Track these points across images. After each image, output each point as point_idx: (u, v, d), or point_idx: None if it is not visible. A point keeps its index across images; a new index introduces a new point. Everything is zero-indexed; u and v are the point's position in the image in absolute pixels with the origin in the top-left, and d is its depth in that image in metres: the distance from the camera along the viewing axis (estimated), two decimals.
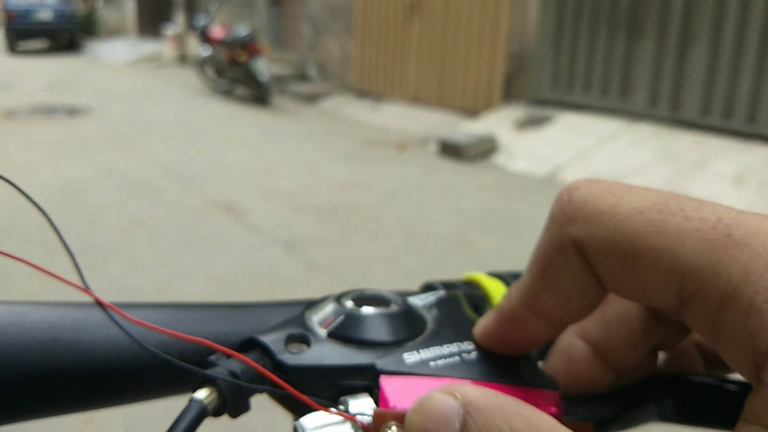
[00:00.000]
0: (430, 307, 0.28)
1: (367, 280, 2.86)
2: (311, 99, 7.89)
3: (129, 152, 5.08)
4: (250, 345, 0.24)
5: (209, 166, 4.73)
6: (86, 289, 0.25)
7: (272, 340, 0.24)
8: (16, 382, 0.23)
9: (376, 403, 0.23)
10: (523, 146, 5.13)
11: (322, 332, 0.25)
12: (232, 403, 0.22)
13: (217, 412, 0.22)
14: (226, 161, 4.91)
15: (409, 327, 0.26)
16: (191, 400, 0.22)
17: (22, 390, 0.23)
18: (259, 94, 7.47)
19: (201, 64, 8.41)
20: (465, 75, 6.31)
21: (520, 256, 3.20)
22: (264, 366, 0.23)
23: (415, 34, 6.92)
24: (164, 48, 11.86)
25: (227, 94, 8.03)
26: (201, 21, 8.40)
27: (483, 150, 5.13)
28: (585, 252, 0.22)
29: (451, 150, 5.15)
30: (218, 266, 2.98)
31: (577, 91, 5.51)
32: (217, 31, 7.97)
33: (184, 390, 0.25)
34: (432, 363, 0.24)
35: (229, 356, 0.23)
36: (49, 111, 6.68)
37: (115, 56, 12.17)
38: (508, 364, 0.25)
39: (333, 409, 0.22)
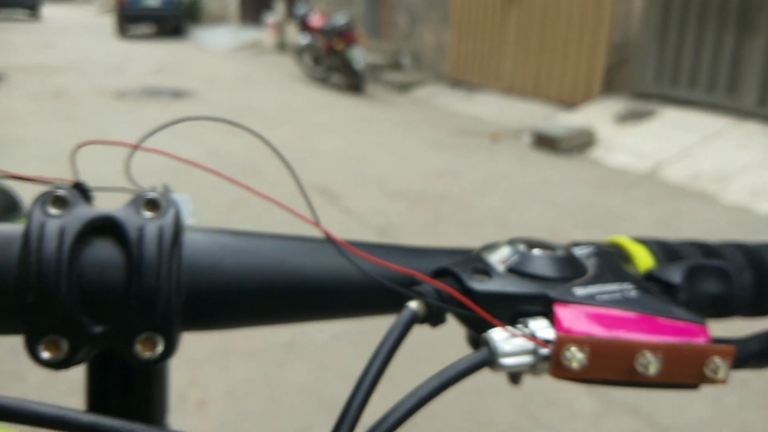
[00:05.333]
0: (588, 256, 0.31)
1: None
2: (404, 88, 7.92)
3: (232, 135, 5.28)
4: (443, 273, 0.29)
5: (306, 151, 4.85)
6: (318, 224, 0.30)
7: (462, 270, 0.28)
8: (252, 295, 0.28)
9: (551, 326, 0.27)
10: (623, 140, 4.97)
11: (501, 267, 0.29)
12: (435, 316, 0.27)
13: (423, 320, 0.27)
14: (322, 146, 5.03)
15: (573, 268, 0.29)
16: (406, 307, 0.26)
17: (256, 302, 0.28)
18: (353, 82, 7.58)
19: (299, 51, 8.61)
20: (563, 66, 6.16)
21: None
22: (456, 290, 0.27)
23: (513, 24, 6.81)
24: (264, 35, 12.20)
25: (323, 81, 8.19)
26: (301, 9, 8.59)
27: (580, 143, 5.00)
28: None
29: (546, 142, 5.06)
30: None
31: (682, 86, 5.27)
32: (316, 20, 8.13)
33: (388, 311, 0.30)
34: (598, 296, 0.27)
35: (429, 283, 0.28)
36: (156, 93, 7.03)
37: (218, 42, 12.63)
38: (661, 301, 0.28)
39: (511, 328, 0.26)
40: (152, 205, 0.26)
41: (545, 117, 5.95)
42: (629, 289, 0.28)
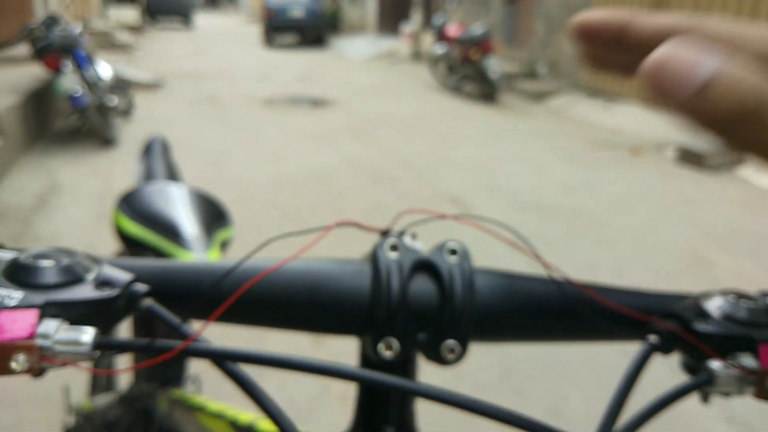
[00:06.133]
0: None
1: None
2: (539, 97, 7.83)
3: (368, 143, 5.49)
4: (672, 315, 0.38)
5: (438, 160, 4.95)
6: (564, 275, 0.39)
7: (687, 314, 0.37)
8: (520, 321, 0.39)
9: (756, 360, 0.35)
10: None
11: (717, 313, 0.37)
12: (668, 348, 0.37)
13: (658, 350, 0.36)
14: (454, 156, 5.10)
15: None
16: (647, 340, 0.37)
17: (523, 326, 0.39)
18: (487, 92, 7.59)
19: (434, 60, 8.74)
20: None
21: (766, 283, 2.94)
22: (683, 329, 0.37)
23: None
24: (400, 45, 12.48)
25: (456, 90, 8.27)
26: (439, 19, 8.71)
27: (728, 160, 4.74)
28: None
29: (691, 158, 4.83)
30: None
31: None
32: (453, 30, 8.22)
33: (608, 337, 0.39)
34: None
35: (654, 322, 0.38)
36: (299, 101, 7.42)
37: (356, 52, 13.07)
38: None
39: (726, 361, 0.35)
40: (454, 251, 0.38)
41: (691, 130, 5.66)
42: None
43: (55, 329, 0.30)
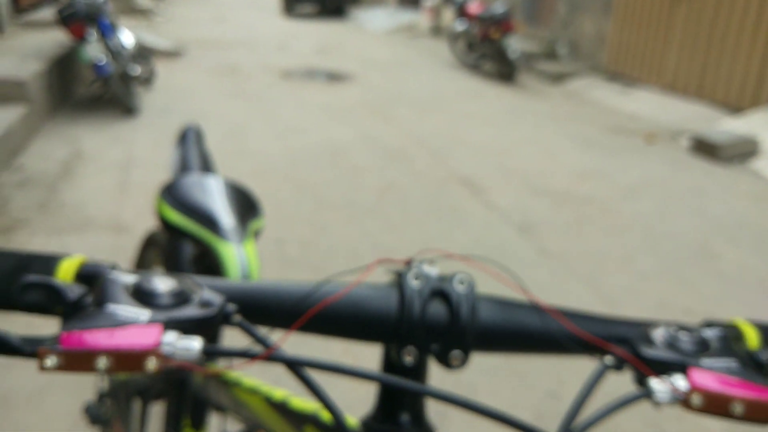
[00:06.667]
0: (715, 335, 0.49)
1: (597, 274, 2.91)
2: (558, 78, 7.81)
3: (384, 119, 5.53)
4: (621, 340, 0.48)
5: (453, 140, 5.00)
6: (540, 301, 0.49)
7: (636, 340, 0.48)
8: (506, 335, 0.48)
9: (687, 381, 0.44)
10: None
11: (660, 340, 0.47)
12: (619, 367, 0.46)
13: (612, 369, 0.46)
14: (469, 136, 5.14)
15: (703, 345, 0.47)
16: (602, 360, 0.47)
17: (510, 340, 0.49)
18: (506, 71, 7.57)
19: (454, 37, 8.71)
20: (732, 66, 5.81)
21: None
22: (632, 354, 0.47)
23: (681, 18, 6.50)
24: (420, 18, 12.39)
25: (475, 68, 8.25)
26: None
27: (742, 152, 4.75)
28: None
29: (705, 148, 4.85)
30: (457, 237, 3.23)
31: None
32: (474, 7, 8.18)
33: (576, 354, 0.49)
34: (714, 365, 0.45)
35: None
36: (317, 74, 7.44)
37: (375, 24, 12.99)
38: (751, 372, 0.45)
39: (663, 379, 0.44)
40: (462, 282, 0.48)
41: (707, 120, 5.67)
42: (734, 362, 0.46)
43: (175, 339, 0.39)
